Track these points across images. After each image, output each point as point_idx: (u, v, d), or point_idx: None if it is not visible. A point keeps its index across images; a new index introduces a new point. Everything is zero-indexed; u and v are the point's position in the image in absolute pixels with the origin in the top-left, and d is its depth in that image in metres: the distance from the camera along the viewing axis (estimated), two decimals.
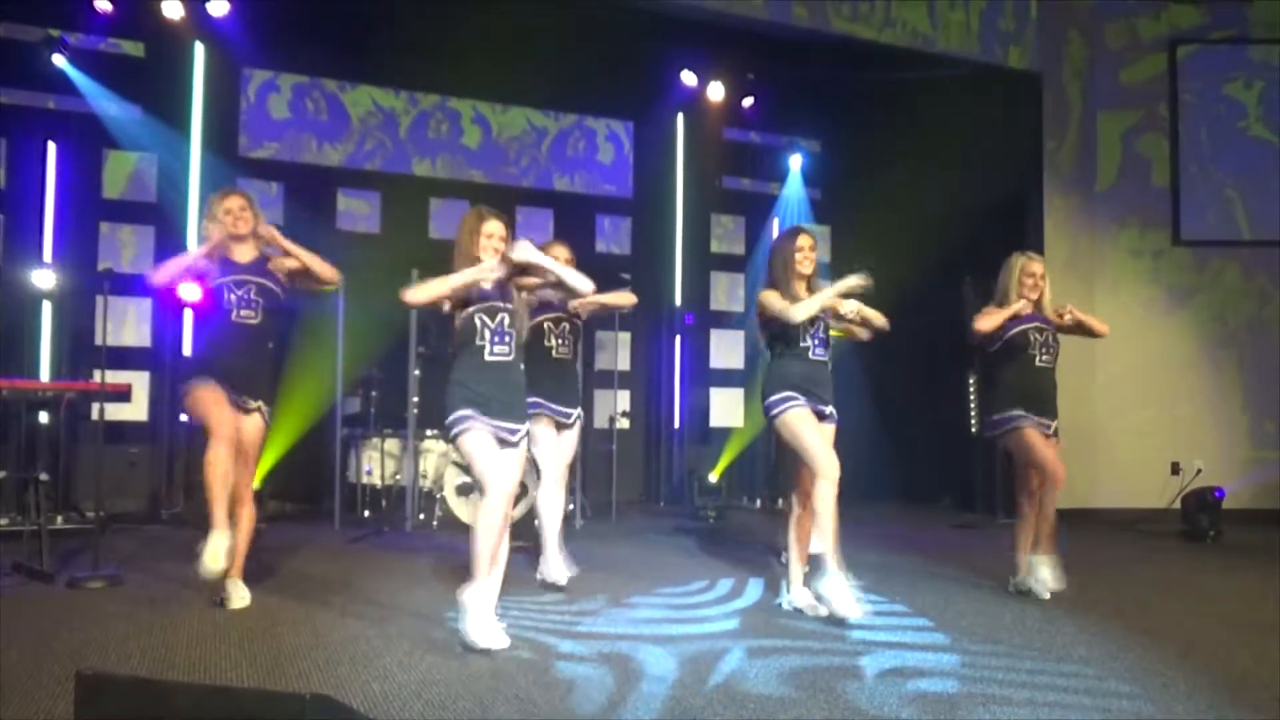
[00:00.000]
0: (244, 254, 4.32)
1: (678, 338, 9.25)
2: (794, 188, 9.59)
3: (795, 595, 4.30)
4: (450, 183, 8.49)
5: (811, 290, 4.32)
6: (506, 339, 3.66)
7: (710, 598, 4.59)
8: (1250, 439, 8.20)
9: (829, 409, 4.29)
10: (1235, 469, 8.04)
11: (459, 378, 3.64)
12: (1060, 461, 4.62)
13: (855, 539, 6.50)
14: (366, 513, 7.00)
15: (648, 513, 8.32)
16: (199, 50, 7.52)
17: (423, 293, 3.65)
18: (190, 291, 5.08)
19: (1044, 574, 4.55)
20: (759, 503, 8.63)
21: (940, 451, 8.88)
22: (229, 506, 4.10)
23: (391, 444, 7.05)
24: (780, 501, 8.05)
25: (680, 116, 9.23)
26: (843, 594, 4.02)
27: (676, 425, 9.19)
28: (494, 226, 3.68)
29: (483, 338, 3.63)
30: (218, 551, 4.00)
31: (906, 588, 4.87)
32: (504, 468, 3.61)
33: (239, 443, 4.18)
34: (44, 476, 5.09)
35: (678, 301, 9.25)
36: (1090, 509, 8.05)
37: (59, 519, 6.01)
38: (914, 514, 8.44)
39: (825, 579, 4.06)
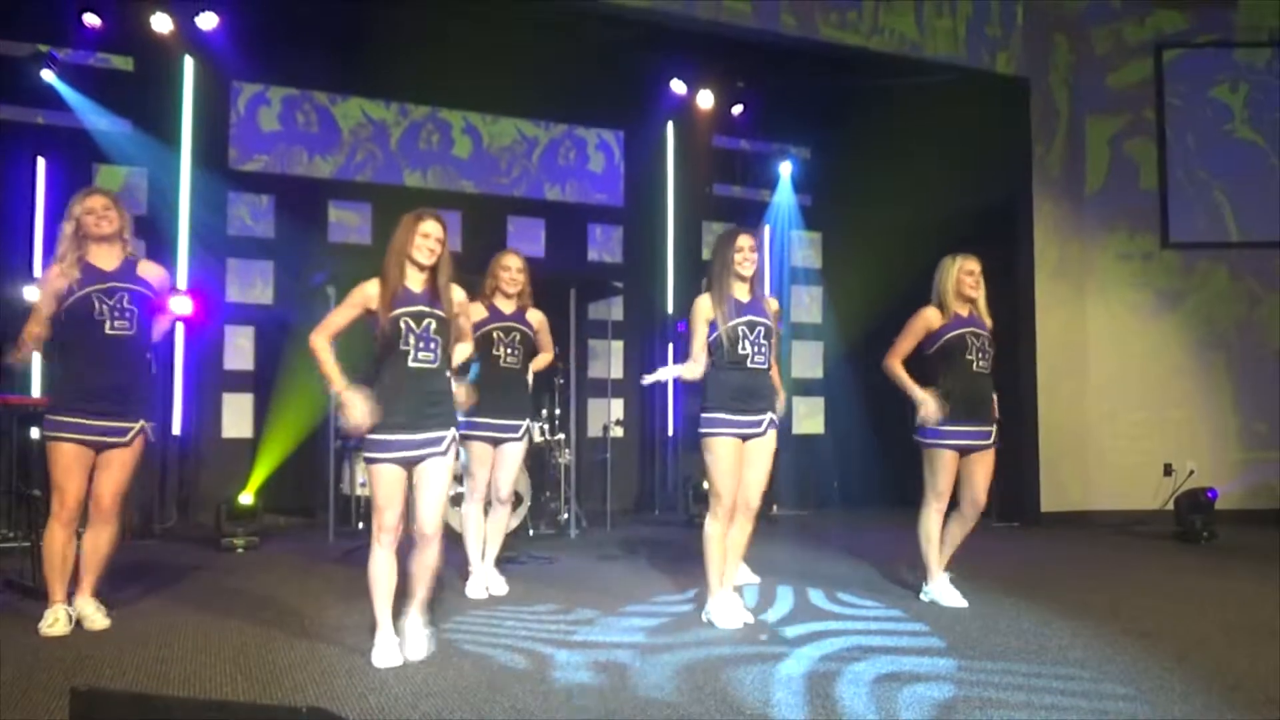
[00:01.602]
0: (109, 259, 3.96)
1: (670, 345, 9.25)
2: (784, 194, 9.62)
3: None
4: (441, 193, 8.48)
5: (754, 294, 4.17)
6: (432, 346, 3.52)
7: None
8: (1241, 440, 8.24)
9: (767, 418, 4.15)
10: (1227, 470, 8.07)
11: (384, 387, 3.51)
12: (980, 487, 4.64)
13: (850, 546, 6.53)
14: (360, 524, 6.98)
15: (643, 521, 8.32)
16: (188, 64, 7.51)
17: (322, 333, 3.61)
18: (182, 305, 5.05)
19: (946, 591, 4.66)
20: None
21: None
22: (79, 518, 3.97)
23: None
24: (775, 508, 8.05)
25: (670, 125, 9.25)
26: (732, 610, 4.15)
27: (670, 433, 9.19)
28: (431, 227, 3.54)
29: (407, 342, 3.48)
30: (60, 620, 3.86)
31: (902, 594, 4.88)
32: (398, 509, 3.50)
33: (114, 461, 3.97)
34: (37, 493, 5.06)
35: (670, 309, 9.26)
36: (1084, 511, 8.08)
37: None
38: (906, 519, 8.40)
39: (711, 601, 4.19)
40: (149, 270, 4.10)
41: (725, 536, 4.14)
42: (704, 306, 4.13)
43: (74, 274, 3.89)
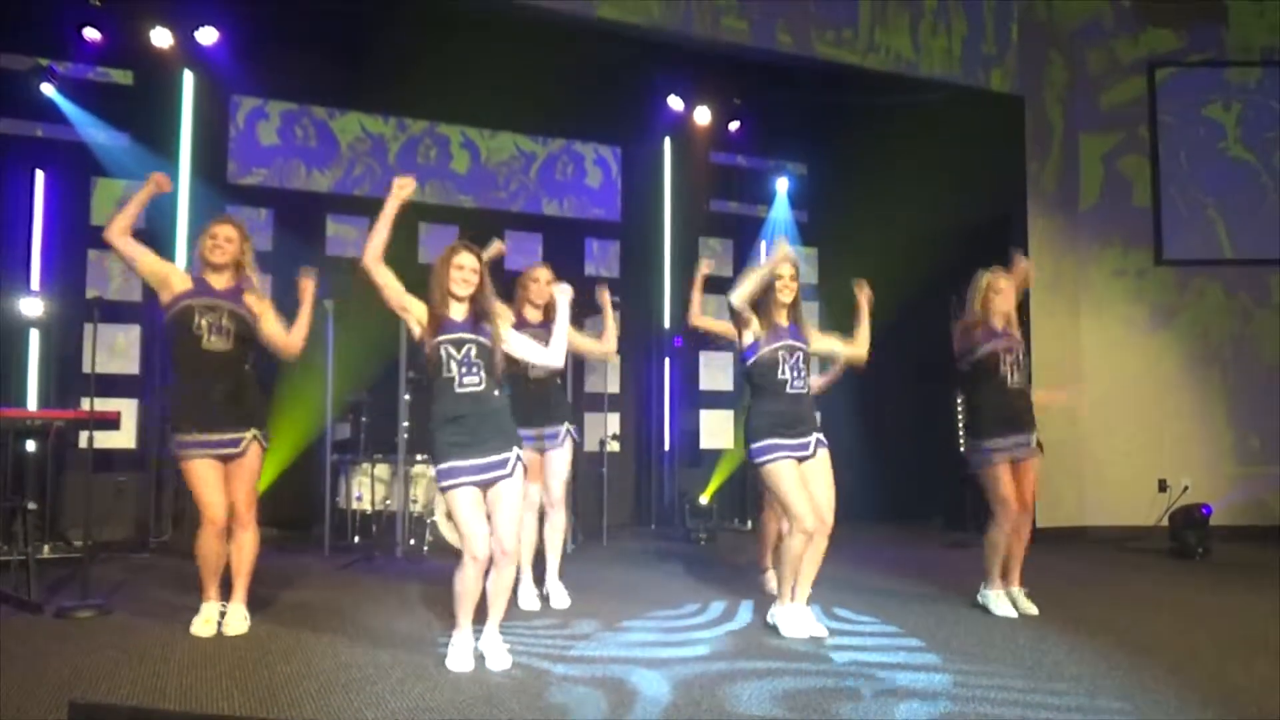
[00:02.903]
0: (220, 281, 4.23)
1: (667, 360, 9.28)
2: (781, 210, 9.67)
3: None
4: (439, 208, 8.51)
5: (793, 319, 4.29)
6: (475, 369, 3.65)
7: (703, 620, 4.59)
8: (1235, 455, 8.26)
9: (813, 439, 4.24)
10: (1221, 485, 8.09)
11: (438, 414, 3.65)
12: (1027, 492, 4.73)
13: (847, 560, 6.53)
14: (357, 538, 6.97)
15: (639, 535, 8.31)
16: (188, 78, 7.56)
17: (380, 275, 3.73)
18: None
19: (1023, 604, 4.76)
20: (750, 524, 8.63)
21: (929, 471, 8.91)
22: (228, 530, 4.18)
23: (382, 469, 7.03)
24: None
25: (668, 140, 9.30)
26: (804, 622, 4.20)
27: (666, 447, 9.20)
28: (464, 259, 3.75)
29: (450, 369, 3.63)
30: (210, 620, 4.12)
31: (899, 608, 4.88)
32: (482, 535, 3.58)
33: (237, 470, 4.19)
34: (32, 505, 5.06)
35: (666, 324, 9.29)
36: (1079, 527, 8.09)
37: (46, 548, 5.97)
38: (905, 534, 8.46)
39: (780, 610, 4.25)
40: (252, 301, 4.29)
41: (806, 553, 4.18)
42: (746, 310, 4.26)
43: (188, 284, 4.15)
